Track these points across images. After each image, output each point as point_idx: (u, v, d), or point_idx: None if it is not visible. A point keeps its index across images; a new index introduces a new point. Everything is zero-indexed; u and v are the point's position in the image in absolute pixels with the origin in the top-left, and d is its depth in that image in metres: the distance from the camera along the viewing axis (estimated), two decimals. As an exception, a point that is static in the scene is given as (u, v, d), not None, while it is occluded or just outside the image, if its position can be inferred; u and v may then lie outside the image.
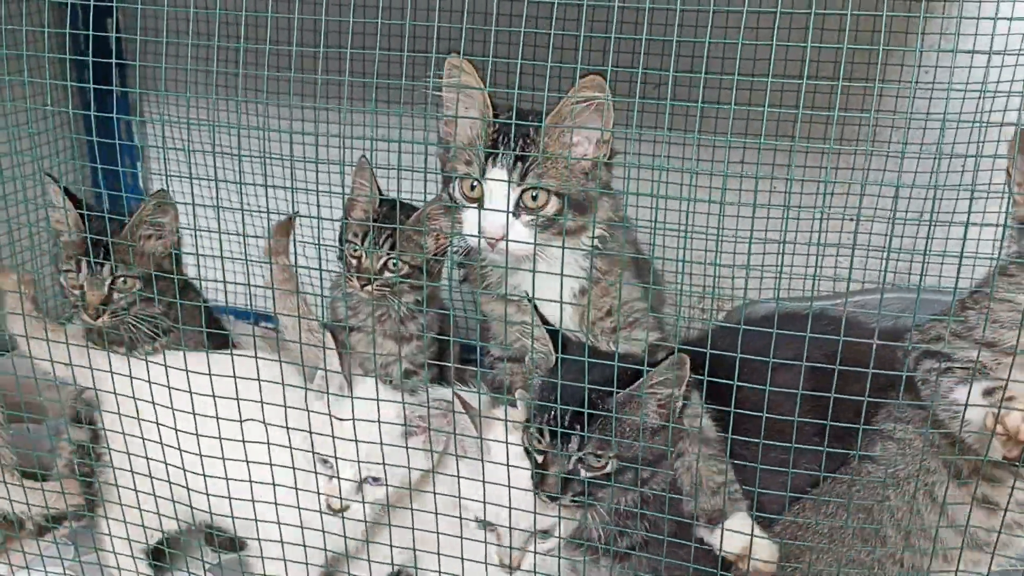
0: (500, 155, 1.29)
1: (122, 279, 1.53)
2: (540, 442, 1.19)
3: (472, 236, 1.33)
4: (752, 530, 1.18)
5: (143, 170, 2.64)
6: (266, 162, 1.23)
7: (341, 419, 1.25)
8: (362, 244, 1.73)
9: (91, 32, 1.36)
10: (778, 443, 1.08)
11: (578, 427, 1.16)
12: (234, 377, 1.21)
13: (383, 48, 1.09)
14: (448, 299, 2.03)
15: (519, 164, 1.29)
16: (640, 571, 1.28)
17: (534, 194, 1.30)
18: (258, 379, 1.20)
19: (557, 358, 1.23)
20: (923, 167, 1.85)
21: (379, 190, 1.77)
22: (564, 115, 1.27)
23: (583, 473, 1.17)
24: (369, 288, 1.71)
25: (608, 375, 1.15)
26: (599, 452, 1.16)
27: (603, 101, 1.26)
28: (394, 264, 1.72)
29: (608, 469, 1.17)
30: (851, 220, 1.95)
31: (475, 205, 1.33)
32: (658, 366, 1.13)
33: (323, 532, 1.33)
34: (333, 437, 1.26)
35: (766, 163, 1.93)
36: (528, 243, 1.29)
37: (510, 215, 1.29)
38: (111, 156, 2.41)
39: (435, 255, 1.76)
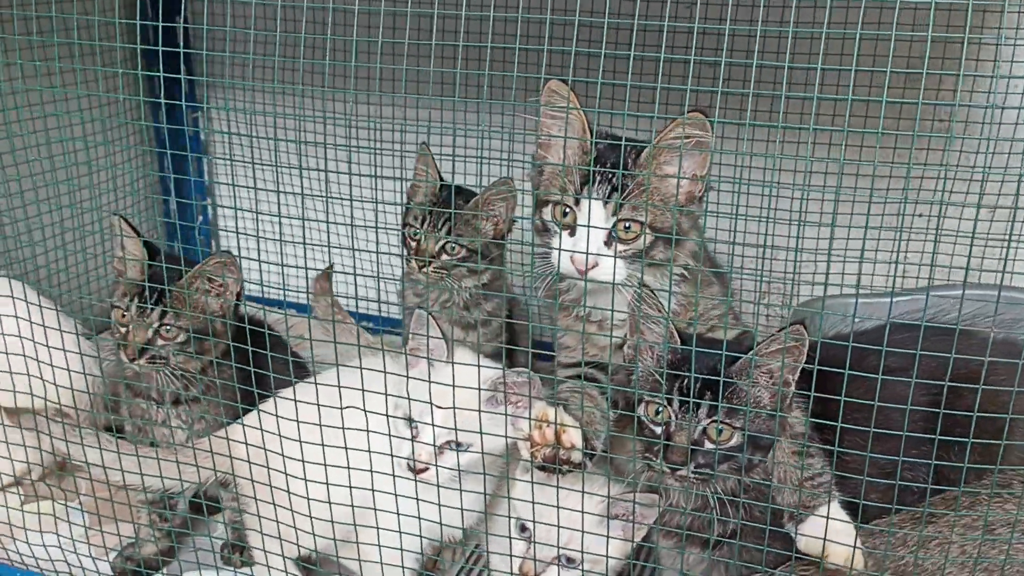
0: (596, 184, 1.29)
1: (167, 327, 1.52)
2: (662, 413, 1.20)
3: (565, 263, 1.32)
4: (830, 531, 1.17)
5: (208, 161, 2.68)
6: (350, 151, 1.25)
7: (432, 382, 1.27)
8: (421, 227, 1.77)
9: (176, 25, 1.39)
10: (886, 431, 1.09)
11: (706, 397, 1.17)
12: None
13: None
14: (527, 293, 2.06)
15: (614, 194, 1.28)
16: (732, 560, 1.29)
17: (627, 225, 1.30)
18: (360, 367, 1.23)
19: (693, 334, 1.25)
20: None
21: (439, 175, 1.81)
22: (662, 149, 1.26)
23: (707, 445, 1.18)
24: (426, 270, 1.76)
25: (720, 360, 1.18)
26: (727, 422, 1.17)
27: (703, 139, 1.24)
28: (451, 248, 1.77)
29: (733, 442, 1.18)
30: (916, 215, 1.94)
31: (567, 231, 1.33)
32: (780, 332, 1.14)
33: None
34: (431, 400, 1.28)
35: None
36: (619, 273, 1.30)
37: (602, 245, 1.30)
38: (177, 150, 2.45)
39: (493, 240, 1.80)
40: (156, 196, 2.48)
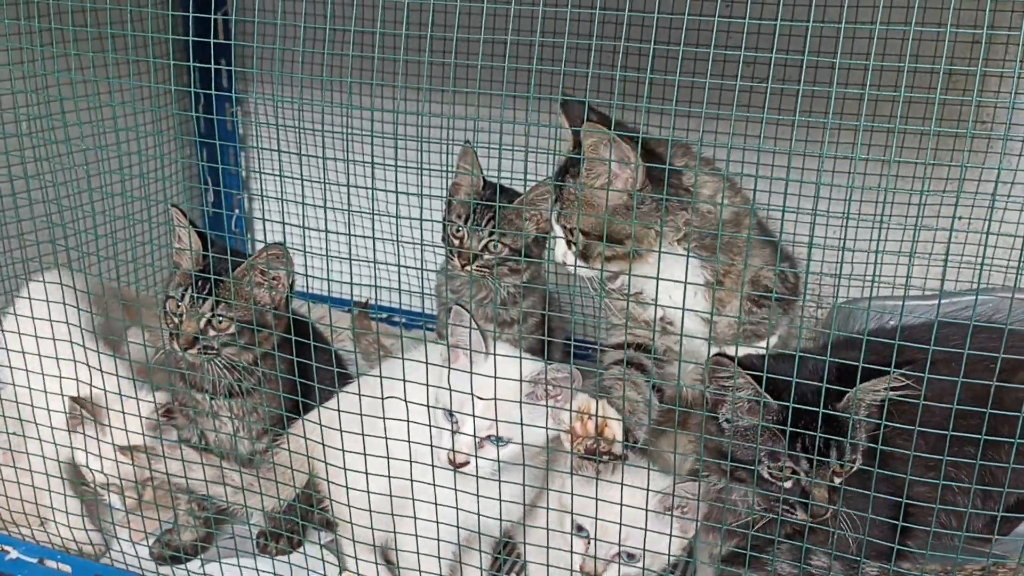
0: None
1: (219, 318, 1.52)
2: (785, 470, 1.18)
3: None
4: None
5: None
6: (372, 141, 1.26)
7: (474, 373, 1.28)
8: (465, 224, 1.79)
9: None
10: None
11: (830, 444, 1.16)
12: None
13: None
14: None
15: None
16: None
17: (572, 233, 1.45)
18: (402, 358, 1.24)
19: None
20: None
21: (482, 173, 1.82)
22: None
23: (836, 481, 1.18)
24: (469, 268, 1.78)
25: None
26: (845, 460, 1.17)
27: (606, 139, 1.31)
28: (494, 246, 1.78)
29: (856, 465, 1.18)
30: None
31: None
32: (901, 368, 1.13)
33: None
34: (471, 393, 1.30)
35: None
36: (581, 267, 1.46)
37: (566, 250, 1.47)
38: (216, 151, 2.48)
39: (535, 238, 1.81)
40: (195, 186, 2.52)
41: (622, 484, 1.24)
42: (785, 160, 1.24)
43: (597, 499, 1.25)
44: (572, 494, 1.31)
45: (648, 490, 1.27)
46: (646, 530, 1.28)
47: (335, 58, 1.56)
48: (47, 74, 1.47)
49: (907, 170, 1.92)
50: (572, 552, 1.37)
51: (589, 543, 1.34)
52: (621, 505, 1.25)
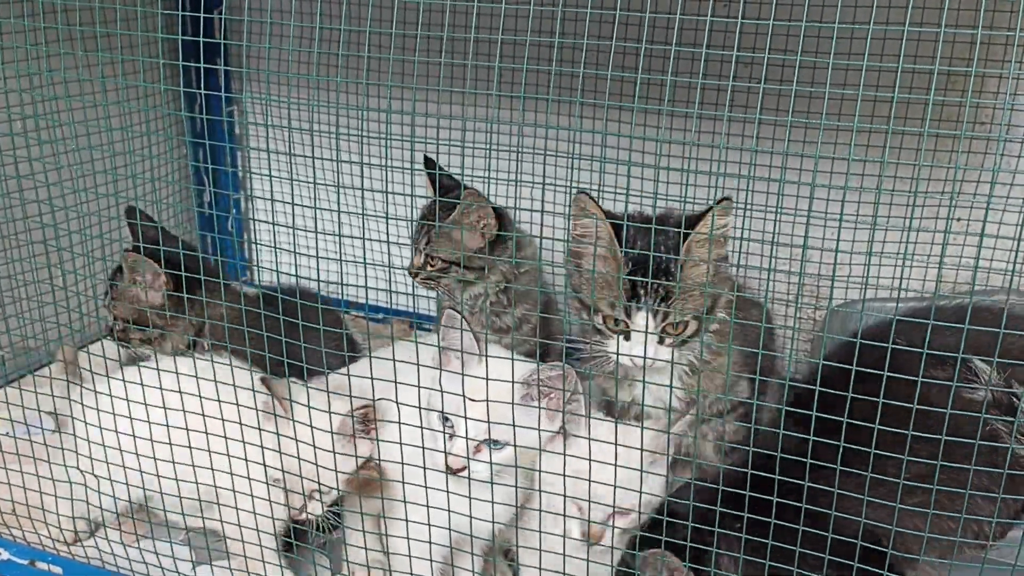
0: (644, 297, 1.41)
1: (114, 313, 1.90)
2: None
3: (623, 356, 1.46)
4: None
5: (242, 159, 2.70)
6: (361, 140, 1.25)
7: (468, 375, 1.28)
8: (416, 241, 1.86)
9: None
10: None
11: None
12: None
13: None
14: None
15: (661, 304, 1.40)
16: None
17: (675, 322, 1.43)
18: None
19: None
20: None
21: (436, 188, 1.87)
22: (691, 249, 1.39)
23: None
24: (417, 280, 1.86)
25: None
26: None
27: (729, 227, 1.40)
28: (432, 260, 1.83)
29: None
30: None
31: (623, 336, 1.45)
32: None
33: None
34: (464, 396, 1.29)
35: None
36: (667, 359, 1.43)
37: (655, 344, 1.44)
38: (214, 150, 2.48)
39: (480, 251, 1.80)
40: (188, 186, 2.51)
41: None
42: (779, 161, 1.24)
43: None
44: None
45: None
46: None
47: (328, 57, 1.56)
48: (37, 73, 1.46)
49: (907, 171, 1.91)
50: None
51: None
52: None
